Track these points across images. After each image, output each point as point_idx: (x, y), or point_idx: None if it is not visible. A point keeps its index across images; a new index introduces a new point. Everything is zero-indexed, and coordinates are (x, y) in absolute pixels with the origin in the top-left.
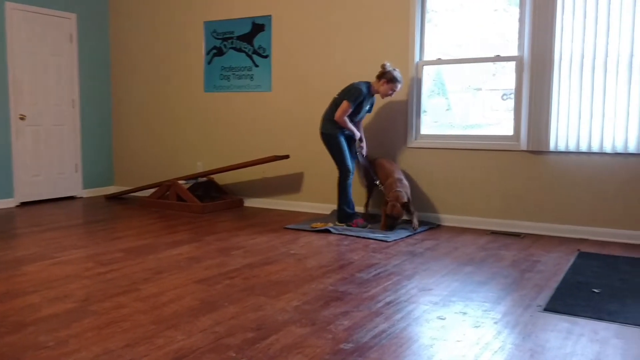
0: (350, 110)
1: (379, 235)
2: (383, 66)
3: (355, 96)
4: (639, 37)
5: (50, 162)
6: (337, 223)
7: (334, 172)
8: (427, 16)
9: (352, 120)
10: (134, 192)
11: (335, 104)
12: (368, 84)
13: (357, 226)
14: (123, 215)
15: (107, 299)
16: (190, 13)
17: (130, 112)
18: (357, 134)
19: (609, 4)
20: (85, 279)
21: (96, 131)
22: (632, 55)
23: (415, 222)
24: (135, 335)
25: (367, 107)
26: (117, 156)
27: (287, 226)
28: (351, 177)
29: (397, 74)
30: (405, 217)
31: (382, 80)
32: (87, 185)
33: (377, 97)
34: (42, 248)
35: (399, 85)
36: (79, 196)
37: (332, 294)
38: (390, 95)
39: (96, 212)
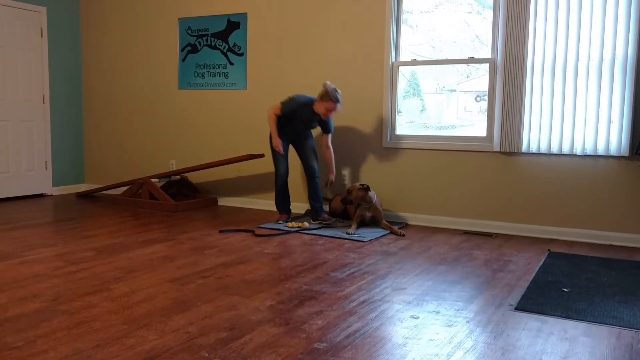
0: (280, 112)
1: (355, 235)
2: (323, 85)
3: (289, 105)
4: (609, 41)
5: (19, 159)
6: (311, 222)
7: None
8: (403, 17)
9: (298, 129)
10: (106, 190)
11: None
12: (311, 102)
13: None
14: (94, 213)
15: (78, 299)
16: (164, 9)
17: (102, 109)
18: (275, 138)
19: (580, 9)
20: (55, 278)
21: (67, 127)
22: (601, 60)
23: (396, 229)
24: (106, 335)
25: (313, 124)
26: (88, 153)
27: (261, 225)
28: (279, 180)
29: (333, 93)
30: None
31: (319, 100)
32: (57, 182)
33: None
34: (10, 247)
35: (336, 106)
36: (48, 194)
37: (306, 293)
38: (329, 115)
39: (66, 210)
